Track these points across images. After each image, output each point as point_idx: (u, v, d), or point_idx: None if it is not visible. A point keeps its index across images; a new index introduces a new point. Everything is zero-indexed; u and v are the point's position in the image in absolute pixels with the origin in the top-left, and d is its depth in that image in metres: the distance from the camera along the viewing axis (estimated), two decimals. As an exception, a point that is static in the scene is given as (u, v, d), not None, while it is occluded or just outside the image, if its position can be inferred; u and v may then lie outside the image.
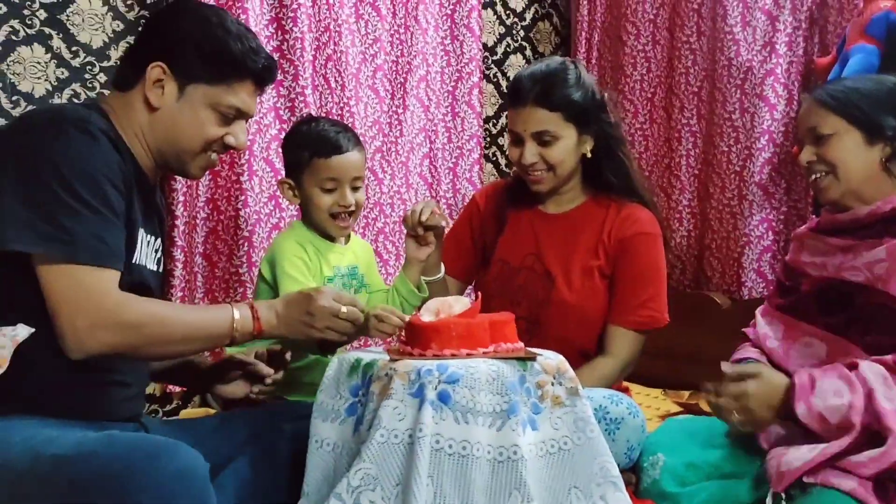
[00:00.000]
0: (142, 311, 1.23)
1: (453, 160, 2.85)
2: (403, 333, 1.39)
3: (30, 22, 2.06)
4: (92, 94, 2.14)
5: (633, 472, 1.60)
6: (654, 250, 1.81)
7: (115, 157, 1.25)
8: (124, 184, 1.27)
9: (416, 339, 1.34)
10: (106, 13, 2.17)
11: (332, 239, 1.77)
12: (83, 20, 2.14)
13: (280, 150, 2.37)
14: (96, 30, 2.16)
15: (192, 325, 1.28)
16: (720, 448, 1.52)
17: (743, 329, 1.66)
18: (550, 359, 1.36)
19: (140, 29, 1.40)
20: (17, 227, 1.18)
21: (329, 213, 1.71)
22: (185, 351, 1.37)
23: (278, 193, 2.38)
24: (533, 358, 1.33)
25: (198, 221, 2.31)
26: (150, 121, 1.34)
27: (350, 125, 2.10)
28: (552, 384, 1.33)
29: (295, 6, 2.37)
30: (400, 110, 2.70)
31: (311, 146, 1.71)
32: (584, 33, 3.01)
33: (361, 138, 2.52)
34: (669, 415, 2.30)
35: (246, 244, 2.31)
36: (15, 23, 2.04)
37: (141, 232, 1.34)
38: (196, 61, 1.34)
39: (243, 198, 2.31)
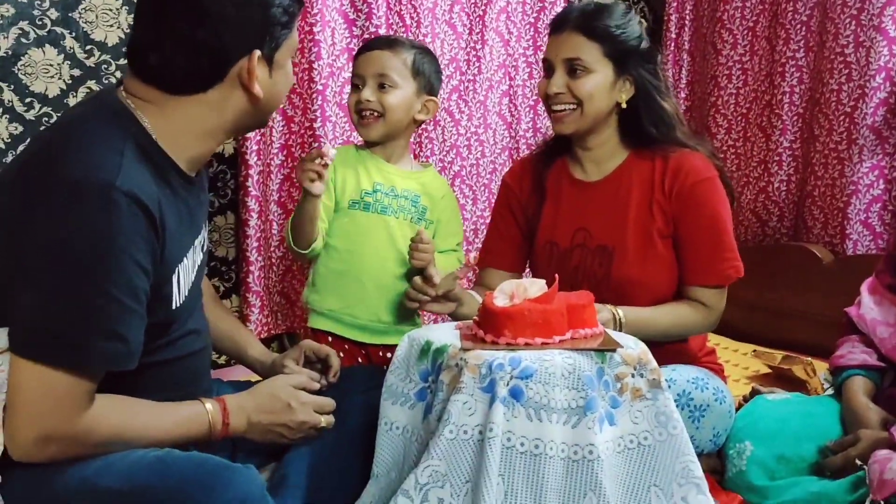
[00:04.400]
0: (107, 432, 1.12)
1: (534, 97, 2.70)
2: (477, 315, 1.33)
3: (41, 23, 1.96)
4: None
5: (718, 457, 1.52)
6: (718, 196, 1.63)
7: (140, 223, 1.09)
8: (154, 230, 1.12)
9: (489, 324, 1.28)
10: (121, 7, 2.02)
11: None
12: (97, 17, 2.02)
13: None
14: (111, 26, 2.05)
15: (162, 435, 1.16)
16: (814, 440, 1.42)
17: (845, 309, 1.51)
18: (632, 349, 1.27)
19: (184, 21, 1.13)
20: (26, 328, 1.07)
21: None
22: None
23: (352, 139, 2.32)
24: (613, 349, 1.25)
25: (272, 169, 2.28)
26: (251, 110, 1.23)
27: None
28: (633, 376, 1.25)
29: (368, -61, 2.24)
30: (478, 46, 2.56)
31: None
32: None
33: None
34: (758, 377, 2.18)
35: (320, 192, 2.27)
36: (24, 24, 1.93)
37: (179, 267, 1.21)
38: (277, 29, 1.21)
39: (317, 144, 2.26)
